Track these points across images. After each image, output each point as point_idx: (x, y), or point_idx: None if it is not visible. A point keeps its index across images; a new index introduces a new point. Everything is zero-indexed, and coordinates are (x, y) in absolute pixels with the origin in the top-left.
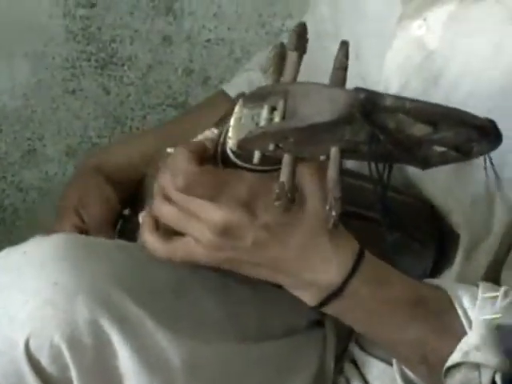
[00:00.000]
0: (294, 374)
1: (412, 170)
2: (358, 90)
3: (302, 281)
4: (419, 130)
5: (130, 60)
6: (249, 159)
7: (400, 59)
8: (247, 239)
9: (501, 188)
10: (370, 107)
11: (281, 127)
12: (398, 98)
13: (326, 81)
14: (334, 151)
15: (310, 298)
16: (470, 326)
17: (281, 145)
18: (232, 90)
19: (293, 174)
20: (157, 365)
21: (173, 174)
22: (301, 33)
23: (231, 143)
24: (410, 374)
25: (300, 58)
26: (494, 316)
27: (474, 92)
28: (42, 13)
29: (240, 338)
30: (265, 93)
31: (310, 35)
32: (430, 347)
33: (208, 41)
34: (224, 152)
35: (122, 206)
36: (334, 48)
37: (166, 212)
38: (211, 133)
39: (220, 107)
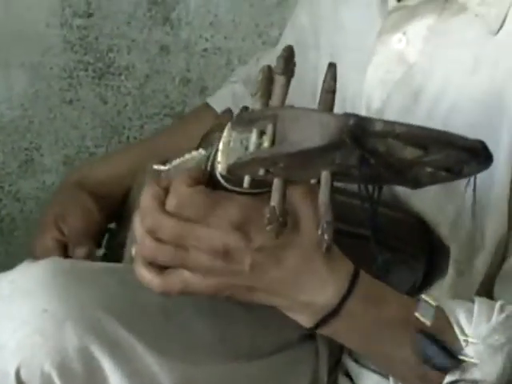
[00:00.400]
0: None
1: (401, 188)
2: (347, 115)
3: (298, 303)
4: (410, 153)
5: (127, 70)
6: (238, 183)
7: (381, 74)
8: (245, 262)
9: (488, 206)
10: (359, 132)
11: (271, 153)
12: (387, 122)
13: (307, 91)
14: (324, 175)
15: (305, 319)
16: (467, 343)
17: (271, 169)
18: (216, 102)
19: (283, 197)
20: None
21: (168, 196)
22: (288, 57)
23: (221, 168)
24: None
25: (288, 81)
26: (490, 332)
27: (456, 107)
28: (39, 23)
29: (232, 357)
30: (254, 117)
31: (290, 42)
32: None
33: (205, 50)
34: (213, 175)
35: (107, 221)
36: (315, 58)
37: (158, 250)
38: (198, 154)
39: (205, 120)
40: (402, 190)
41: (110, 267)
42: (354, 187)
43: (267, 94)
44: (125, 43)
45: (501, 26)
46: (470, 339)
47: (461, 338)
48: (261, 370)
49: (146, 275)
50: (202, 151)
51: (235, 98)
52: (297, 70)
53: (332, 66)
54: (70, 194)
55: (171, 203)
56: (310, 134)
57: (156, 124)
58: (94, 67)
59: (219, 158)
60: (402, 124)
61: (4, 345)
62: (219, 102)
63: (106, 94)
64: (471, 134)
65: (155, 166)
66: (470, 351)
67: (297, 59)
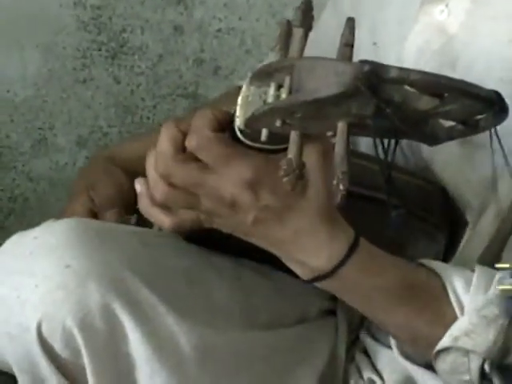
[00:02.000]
0: (305, 361)
1: (425, 153)
2: (362, 62)
3: (293, 259)
4: (425, 103)
5: (140, 50)
6: (257, 139)
7: (420, 42)
8: (248, 217)
9: (507, 163)
10: (374, 79)
11: (287, 102)
12: (402, 69)
13: None
14: (340, 126)
15: (300, 273)
16: (462, 312)
17: (288, 121)
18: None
19: (300, 150)
20: (168, 350)
21: (189, 133)
22: (306, 9)
23: (239, 121)
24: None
25: (306, 34)
26: (485, 303)
27: (488, 75)
28: (52, 3)
29: (251, 325)
30: (271, 70)
31: (333, 30)
32: (419, 332)
33: (219, 31)
34: (233, 131)
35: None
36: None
37: (170, 195)
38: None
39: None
40: (425, 158)
41: (135, 230)
42: (372, 152)
43: (286, 47)
44: (138, 23)
45: None
46: (465, 308)
47: (456, 306)
48: (279, 341)
49: (158, 214)
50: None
51: None
52: (333, 47)
53: (350, 21)
54: (100, 167)
55: (192, 143)
56: (325, 83)
57: (169, 104)
58: (108, 47)
59: (237, 112)
60: (417, 71)
61: (26, 299)
62: None
63: (119, 74)
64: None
65: None
66: (465, 320)
67: (333, 36)
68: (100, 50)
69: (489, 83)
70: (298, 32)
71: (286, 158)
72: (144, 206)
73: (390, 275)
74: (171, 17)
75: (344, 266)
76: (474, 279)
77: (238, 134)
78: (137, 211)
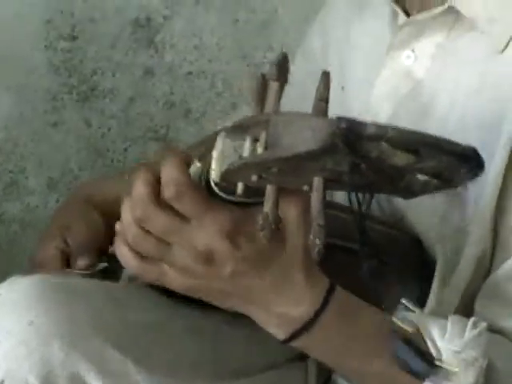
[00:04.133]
0: None
1: (400, 204)
2: (340, 118)
3: (273, 313)
4: (402, 159)
5: (111, 92)
6: (232, 192)
7: (388, 88)
8: (226, 269)
9: (475, 219)
10: (352, 136)
11: (263, 157)
12: (380, 126)
13: None
14: (316, 181)
15: (279, 331)
16: (440, 357)
17: (264, 175)
18: None
19: (276, 204)
20: None
21: (165, 181)
22: (282, 63)
23: (214, 175)
24: None
25: (281, 87)
26: (462, 347)
27: (463, 124)
28: (23, 45)
29: (220, 375)
30: (247, 124)
31: (302, 74)
32: (397, 380)
33: (189, 73)
34: (208, 183)
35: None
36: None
37: (142, 241)
38: (194, 166)
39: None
40: (400, 209)
41: (100, 284)
42: (346, 202)
43: (261, 101)
44: (109, 66)
45: (507, 45)
46: (442, 353)
47: (433, 351)
48: None
49: (126, 254)
50: (197, 163)
51: None
52: (309, 96)
53: (325, 75)
54: (76, 207)
55: (169, 193)
56: (302, 138)
57: (140, 147)
58: (79, 90)
59: (213, 165)
60: (394, 127)
61: None
62: None
63: (90, 117)
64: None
65: None
66: (444, 365)
67: (310, 87)
68: (71, 93)
69: (465, 130)
70: (273, 85)
71: (262, 212)
72: (117, 244)
73: (367, 322)
74: (142, 59)
75: (323, 312)
76: (449, 325)
77: (214, 187)
78: (109, 257)
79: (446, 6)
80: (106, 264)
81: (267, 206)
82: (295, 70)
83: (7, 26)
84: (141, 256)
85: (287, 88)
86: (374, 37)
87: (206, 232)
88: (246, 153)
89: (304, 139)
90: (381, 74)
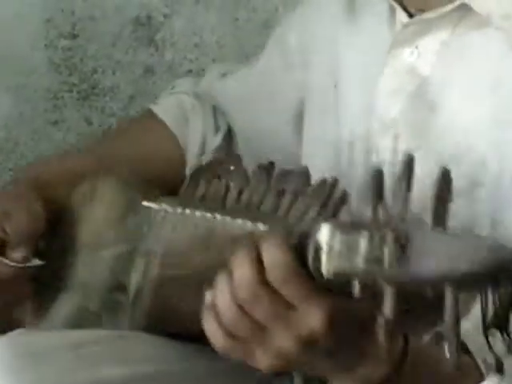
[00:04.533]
0: None
1: None
2: (501, 245)
3: (357, 375)
4: None
5: (111, 91)
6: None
7: (394, 85)
8: (325, 351)
9: None
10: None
11: (398, 276)
12: None
13: (287, 107)
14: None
15: None
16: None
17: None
18: (163, 111)
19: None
20: None
21: (269, 265)
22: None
23: (325, 271)
24: None
25: (408, 186)
26: None
27: (475, 122)
28: (23, 44)
29: None
30: (362, 223)
31: (279, 67)
32: None
33: (189, 72)
34: (306, 263)
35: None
36: (301, 77)
37: (241, 325)
38: (253, 226)
39: (152, 131)
40: None
41: (67, 337)
42: None
43: (379, 199)
44: (109, 64)
45: None
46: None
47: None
48: None
49: (216, 333)
50: (260, 225)
51: (181, 107)
52: (278, 86)
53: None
54: (20, 193)
55: (276, 276)
56: (458, 259)
57: None
58: (79, 88)
59: (323, 259)
60: None
61: None
62: (166, 111)
63: (90, 115)
64: (491, 151)
65: (145, 203)
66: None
67: (279, 76)
68: (71, 91)
69: (476, 133)
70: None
71: (384, 316)
72: (207, 319)
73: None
74: (142, 58)
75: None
76: None
77: (319, 278)
78: (46, 250)
79: (458, 3)
80: (40, 262)
81: (389, 312)
82: (263, 56)
83: (7, 26)
84: (231, 335)
85: (247, 74)
86: (370, 34)
87: (312, 319)
88: (365, 254)
89: (460, 259)
90: (384, 72)
